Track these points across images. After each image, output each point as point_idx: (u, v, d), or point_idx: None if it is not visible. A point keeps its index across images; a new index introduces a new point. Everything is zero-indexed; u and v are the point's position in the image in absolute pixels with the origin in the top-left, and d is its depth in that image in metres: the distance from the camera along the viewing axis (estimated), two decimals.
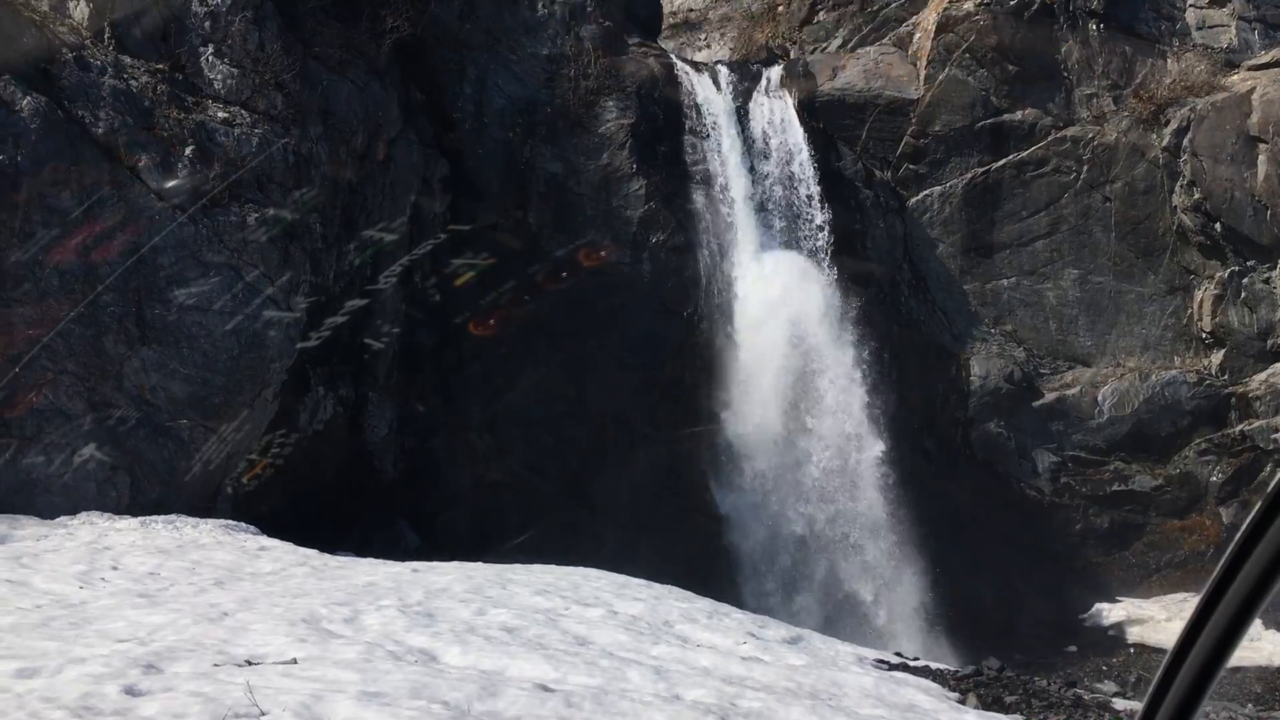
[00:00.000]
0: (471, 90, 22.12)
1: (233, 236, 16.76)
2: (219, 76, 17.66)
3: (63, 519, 14.02)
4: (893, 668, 12.11)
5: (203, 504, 15.88)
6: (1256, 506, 1.42)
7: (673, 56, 24.61)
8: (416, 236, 20.91)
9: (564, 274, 21.33)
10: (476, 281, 20.97)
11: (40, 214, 15.28)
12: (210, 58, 17.70)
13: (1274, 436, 21.64)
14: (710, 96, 23.27)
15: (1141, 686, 17.25)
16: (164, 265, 16.12)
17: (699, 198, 22.61)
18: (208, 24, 17.74)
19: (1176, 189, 22.87)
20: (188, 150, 16.59)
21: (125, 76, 16.63)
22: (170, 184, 16.29)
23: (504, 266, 21.23)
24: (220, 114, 17.28)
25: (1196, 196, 22.50)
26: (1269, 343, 22.04)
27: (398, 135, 20.68)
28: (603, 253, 21.61)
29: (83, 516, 14.23)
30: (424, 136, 21.39)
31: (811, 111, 23.63)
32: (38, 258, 15.04)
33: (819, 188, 22.98)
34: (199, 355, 16.16)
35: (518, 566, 13.85)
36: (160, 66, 17.21)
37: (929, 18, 24.29)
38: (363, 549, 16.39)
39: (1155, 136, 23.06)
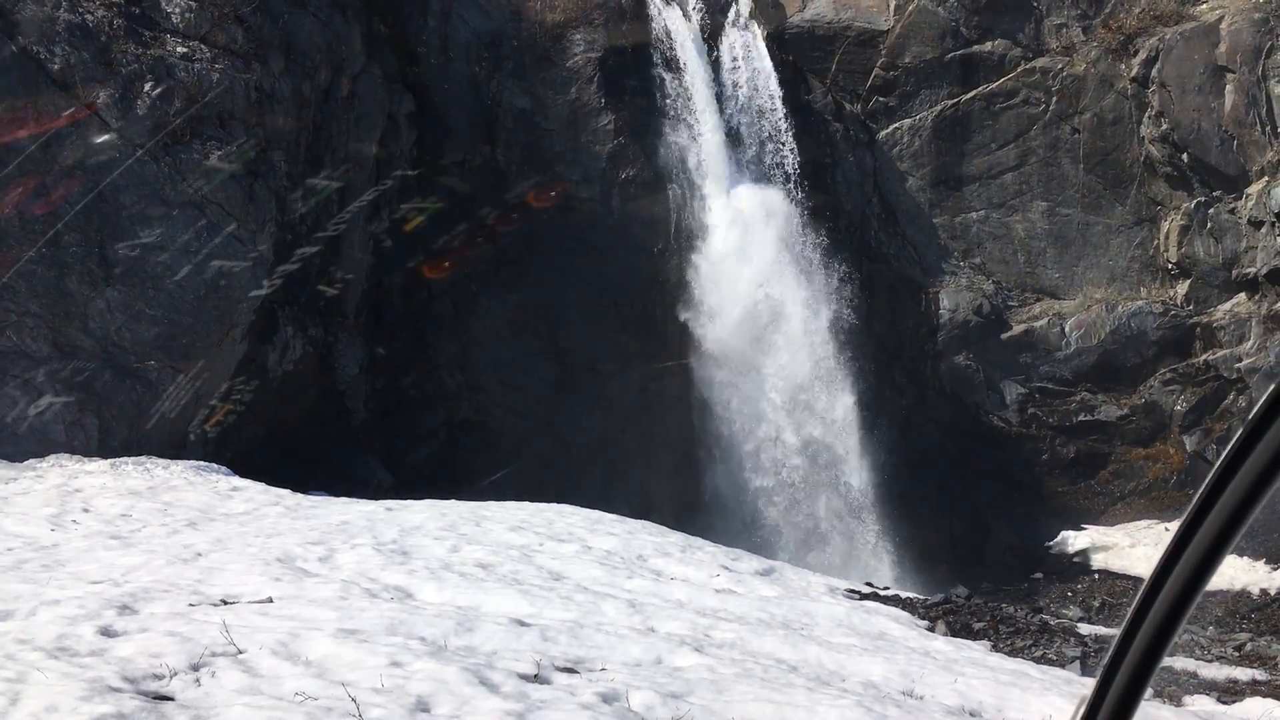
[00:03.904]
0: (435, 23, 21.74)
1: (195, 174, 16.49)
2: (176, 10, 17.25)
3: (31, 462, 13.92)
4: (863, 597, 12.30)
5: (173, 445, 15.81)
6: (1236, 435, 1.43)
7: None
8: (383, 172, 20.65)
9: (521, 213, 21.11)
10: (444, 218, 20.78)
11: None
12: None
13: (1237, 366, 21.92)
14: (679, 29, 22.97)
15: (1106, 611, 17.61)
16: (126, 204, 15.86)
17: (668, 132, 22.42)
18: None
19: (1144, 120, 22.89)
20: (147, 86, 16.25)
21: (80, 10, 16.22)
22: (130, 121, 15.97)
23: (472, 203, 21.03)
24: (179, 49, 16.90)
25: (1164, 127, 22.53)
26: (1234, 273, 22.23)
27: (361, 70, 20.33)
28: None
29: (51, 459, 14.13)
30: (388, 71, 21.03)
31: (781, 44, 23.41)
32: None
33: (788, 121, 22.84)
34: (164, 296, 15.97)
35: (491, 504, 13.89)
36: None
37: None
38: (335, 488, 16.39)
39: (1124, 67, 23.01)
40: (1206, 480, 1.49)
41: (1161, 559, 1.58)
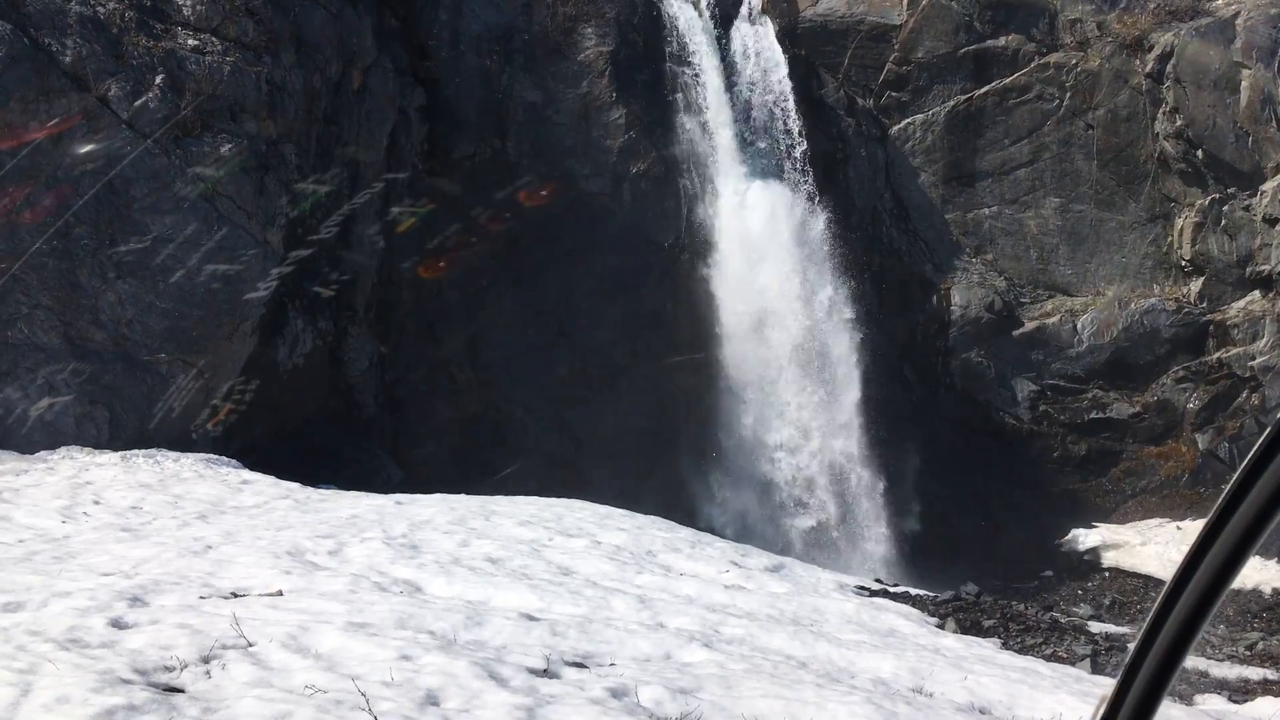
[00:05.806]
0: (447, 16, 21.72)
1: (206, 167, 16.49)
2: (187, 3, 17.25)
3: (42, 454, 13.95)
4: (873, 594, 12.29)
5: (183, 438, 15.82)
6: (1261, 437, 1.41)
7: None
8: (393, 166, 20.64)
9: (531, 207, 21.05)
10: (453, 213, 20.76)
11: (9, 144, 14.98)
12: None
13: (1251, 364, 21.81)
14: (691, 22, 22.91)
15: (1116, 609, 17.56)
16: (136, 197, 15.87)
17: (679, 127, 22.38)
18: None
19: (1159, 116, 22.78)
20: (158, 79, 16.25)
21: (91, 2, 16.23)
22: (141, 113, 15.97)
23: (482, 197, 21.02)
24: (190, 41, 16.90)
25: (1179, 123, 22.41)
26: (1248, 270, 22.12)
27: (373, 63, 20.32)
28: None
29: (62, 451, 14.16)
30: (399, 64, 21.02)
31: (793, 38, 23.33)
32: (7, 189, 14.78)
33: (800, 116, 22.76)
34: (175, 289, 15.97)
35: (501, 498, 13.91)
36: None
37: None
38: (344, 482, 16.40)
39: (1138, 63, 22.89)
40: (1230, 483, 1.47)
41: (1184, 561, 1.57)
